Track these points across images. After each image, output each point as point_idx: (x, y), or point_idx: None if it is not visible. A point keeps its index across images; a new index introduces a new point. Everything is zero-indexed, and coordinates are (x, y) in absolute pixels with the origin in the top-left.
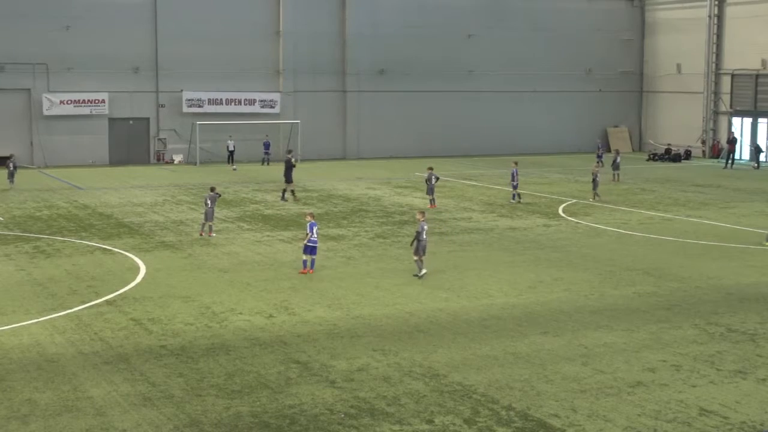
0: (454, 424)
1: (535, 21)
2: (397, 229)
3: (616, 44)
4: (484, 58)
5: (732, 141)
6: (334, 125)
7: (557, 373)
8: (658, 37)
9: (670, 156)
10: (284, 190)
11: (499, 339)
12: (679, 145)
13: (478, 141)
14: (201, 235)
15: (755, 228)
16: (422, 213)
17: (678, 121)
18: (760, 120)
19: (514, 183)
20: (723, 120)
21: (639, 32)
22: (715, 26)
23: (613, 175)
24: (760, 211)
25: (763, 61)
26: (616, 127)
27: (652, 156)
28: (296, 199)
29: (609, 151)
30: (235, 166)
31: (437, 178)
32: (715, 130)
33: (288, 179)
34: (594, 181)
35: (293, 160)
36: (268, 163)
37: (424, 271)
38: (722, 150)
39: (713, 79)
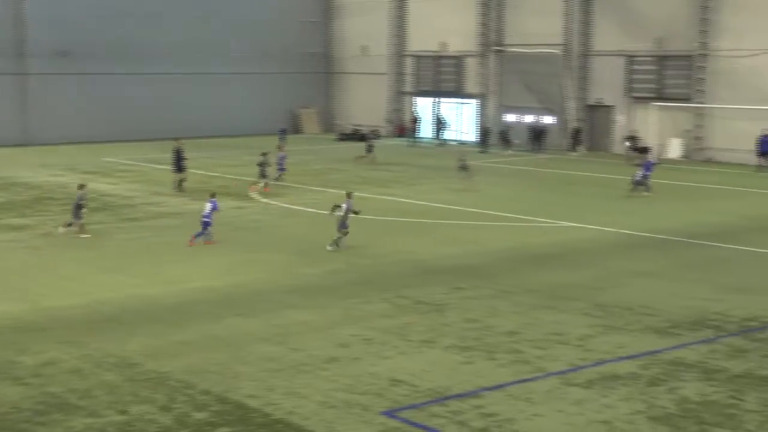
0: (149, 413)
1: (224, 3)
2: (88, 216)
3: (303, 26)
4: (172, 41)
5: (415, 120)
6: (14, 110)
7: (254, 354)
8: (345, 19)
9: (358, 136)
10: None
11: (196, 323)
12: (366, 124)
13: (168, 124)
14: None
15: (441, 204)
16: (348, 194)
17: (365, 101)
18: (441, 100)
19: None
20: (407, 100)
21: (326, 14)
22: (398, 9)
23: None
24: (443, 187)
25: (443, 44)
26: (306, 108)
27: (341, 136)
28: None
29: (295, 132)
30: None
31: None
32: (399, 110)
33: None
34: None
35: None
36: None
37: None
38: (408, 129)
39: (397, 60)
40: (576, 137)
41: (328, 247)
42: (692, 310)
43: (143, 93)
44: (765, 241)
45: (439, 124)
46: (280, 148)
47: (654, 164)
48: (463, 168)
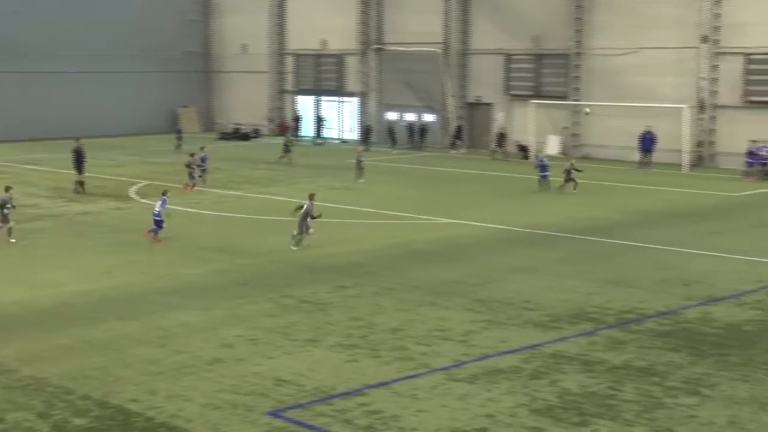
0: (27, 420)
1: (101, 0)
2: None
3: (181, 24)
4: (48, 39)
5: (297, 119)
6: None
7: (135, 357)
8: (224, 18)
9: (239, 135)
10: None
11: (74, 328)
12: (247, 123)
13: (42, 124)
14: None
15: (323, 202)
16: (310, 196)
17: (246, 100)
18: (322, 98)
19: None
20: (288, 99)
21: (205, 12)
22: (278, 8)
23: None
24: (325, 186)
25: (323, 42)
26: (186, 107)
27: (222, 135)
28: None
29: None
30: None
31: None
32: (281, 109)
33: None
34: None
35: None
36: None
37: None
38: (289, 128)
39: (277, 59)
40: (457, 135)
41: (293, 247)
42: (572, 304)
43: (16, 92)
44: (643, 235)
45: (320, 122)
46: (202, 148)
47: (545, 163)
48: (360, 167)
